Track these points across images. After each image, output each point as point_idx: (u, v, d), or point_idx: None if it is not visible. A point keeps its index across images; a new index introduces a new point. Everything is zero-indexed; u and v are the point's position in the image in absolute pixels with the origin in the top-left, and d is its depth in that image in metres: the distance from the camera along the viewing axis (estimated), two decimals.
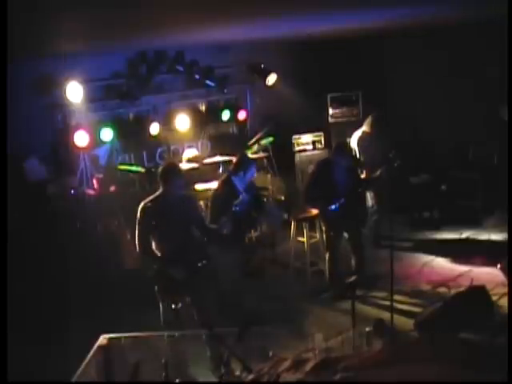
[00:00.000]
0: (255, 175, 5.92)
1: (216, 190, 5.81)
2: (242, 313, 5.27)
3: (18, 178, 6.09)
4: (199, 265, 4.70)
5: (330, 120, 9.14)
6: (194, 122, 7.83)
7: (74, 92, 6.52)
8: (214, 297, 5.00)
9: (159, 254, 4.67)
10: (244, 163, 5.71)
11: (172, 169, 4.77)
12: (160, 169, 4.82)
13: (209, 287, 4.78)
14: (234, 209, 5.01)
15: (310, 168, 8.68)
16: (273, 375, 2.46)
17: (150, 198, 4.72)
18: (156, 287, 4.72)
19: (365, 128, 7.40)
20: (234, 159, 5.95)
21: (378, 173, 6.22)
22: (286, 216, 7.16)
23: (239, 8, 3.70)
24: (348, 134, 7.92)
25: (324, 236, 6.33)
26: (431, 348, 2.83)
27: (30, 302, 5.62)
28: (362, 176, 6.76)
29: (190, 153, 7.83)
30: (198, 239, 4.92)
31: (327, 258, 6.29)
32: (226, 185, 5.64)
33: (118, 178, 7.04)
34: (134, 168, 6.90)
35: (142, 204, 4.67)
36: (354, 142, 7.41)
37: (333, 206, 6.00)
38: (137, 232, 4.67)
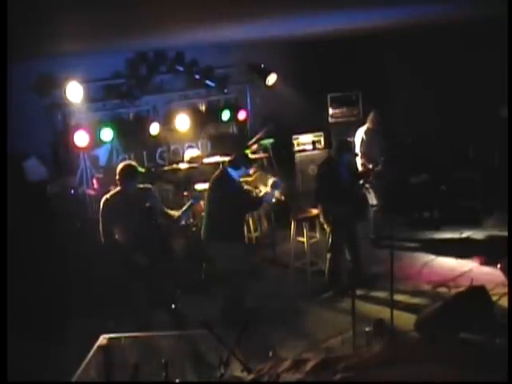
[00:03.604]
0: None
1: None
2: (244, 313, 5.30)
3: (18, 177, 6.09)
4: (161, 253, 4.94)
5: (330, 120, 9.14)
6: (194, 122, 7.82)
7: (74, 92, 6.52)
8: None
9: (122, 243, 4.95)
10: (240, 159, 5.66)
11: (127, 170, 4.98)
12: (118, 168, 5.03)
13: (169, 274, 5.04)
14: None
15: (311, 168, 8.72)
16: (273, 375, 2.45)
17: (111, 192, 5.03)
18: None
19: (368, 124, 7.48)
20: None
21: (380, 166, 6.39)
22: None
23: (239, 8, 3.70)
24: (348, 134, 7.92)
25: (328, 235, 6.29)
26: (431, 348, 2.82)
27: (30, 302, 5.62)
28: (361, 169, 6.93)
29: (191, 152, 7.82)
30: (159, 229, 5.09)
31: (329, 257, 6.29)
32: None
33: None
34: None
35: (103, 198, 5.00)
36: (358, 138, 7.46)
37: None
38: (100, 223, 4.95)
